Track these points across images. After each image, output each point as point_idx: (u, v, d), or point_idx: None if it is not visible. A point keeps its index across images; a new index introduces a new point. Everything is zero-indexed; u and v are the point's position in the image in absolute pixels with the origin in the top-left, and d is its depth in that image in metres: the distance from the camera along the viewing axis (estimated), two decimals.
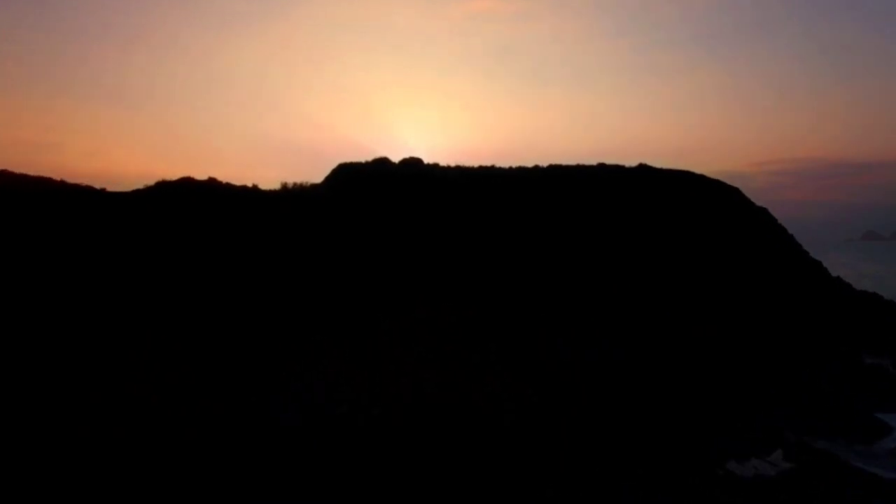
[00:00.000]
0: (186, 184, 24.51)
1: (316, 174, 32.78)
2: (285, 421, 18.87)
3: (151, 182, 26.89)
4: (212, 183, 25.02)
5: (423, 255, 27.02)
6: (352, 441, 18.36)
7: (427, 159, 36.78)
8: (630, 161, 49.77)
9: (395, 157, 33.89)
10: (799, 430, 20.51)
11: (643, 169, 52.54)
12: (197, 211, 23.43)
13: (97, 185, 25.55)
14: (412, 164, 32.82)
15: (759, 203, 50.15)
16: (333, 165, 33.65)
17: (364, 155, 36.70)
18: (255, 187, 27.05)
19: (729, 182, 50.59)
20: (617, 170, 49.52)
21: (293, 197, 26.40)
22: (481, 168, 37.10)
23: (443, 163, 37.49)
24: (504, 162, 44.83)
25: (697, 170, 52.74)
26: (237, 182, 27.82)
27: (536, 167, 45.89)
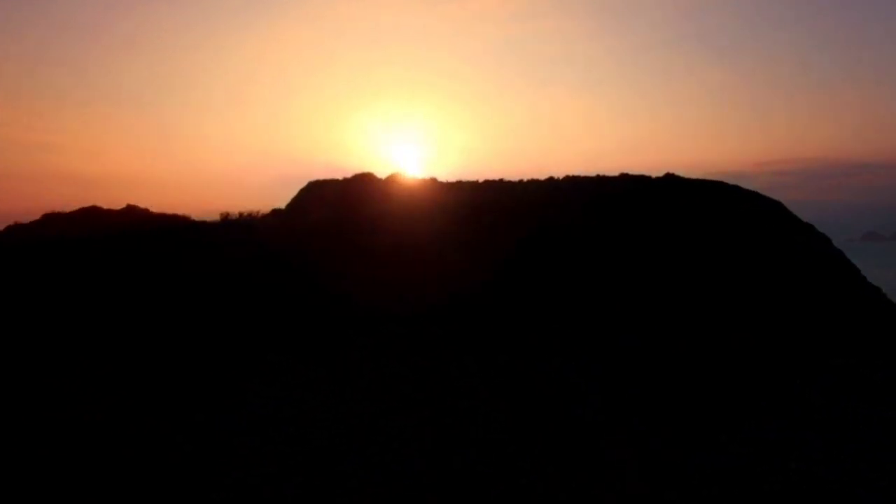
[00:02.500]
0: (93, 212, 24.44)
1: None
2: (238, 438, 18.71)
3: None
4: (128, 211, 24.91)
5: (404, 276, 26.75)
6: (315, 459, 18.09)
7: (426, 172, 36.06)
8: (641, 166, 48.34)
9: (392, 171, 33.30)
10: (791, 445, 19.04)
11: (670, 180, 50.88)
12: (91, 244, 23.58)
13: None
14: (402, 180, 32.36)
15: None
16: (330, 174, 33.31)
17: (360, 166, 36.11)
18: (185, 217, 26.61)
19: (732, 182, 48.44)
20: (641, 181, 48.01)
21: (240, 225, 26.00)
22: (486, 182, 36.21)
23: (442, 177, 36.58)
24: (514, 170, 44.07)
25: (697, 170, 51.12)
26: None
27: (551, 179, 44.81)
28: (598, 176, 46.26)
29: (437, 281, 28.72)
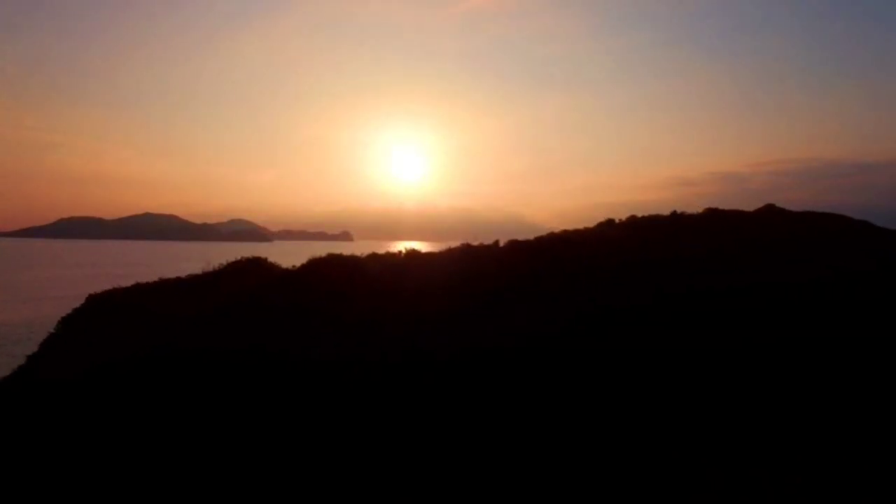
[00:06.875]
0: None
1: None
2: None
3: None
4: None
5: None
6: None
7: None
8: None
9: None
10: None
11: (772, 213, 34.91)
12: None
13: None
14: (340, 266, 14.09)
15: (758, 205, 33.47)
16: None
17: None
18: None
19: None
20: (734, 217, 32.32)
21: None
22: (513, 244, 18.77)
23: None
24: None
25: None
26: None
27: (609, 222, 28.86)
28: (673, 213, 30.37)
29: None
